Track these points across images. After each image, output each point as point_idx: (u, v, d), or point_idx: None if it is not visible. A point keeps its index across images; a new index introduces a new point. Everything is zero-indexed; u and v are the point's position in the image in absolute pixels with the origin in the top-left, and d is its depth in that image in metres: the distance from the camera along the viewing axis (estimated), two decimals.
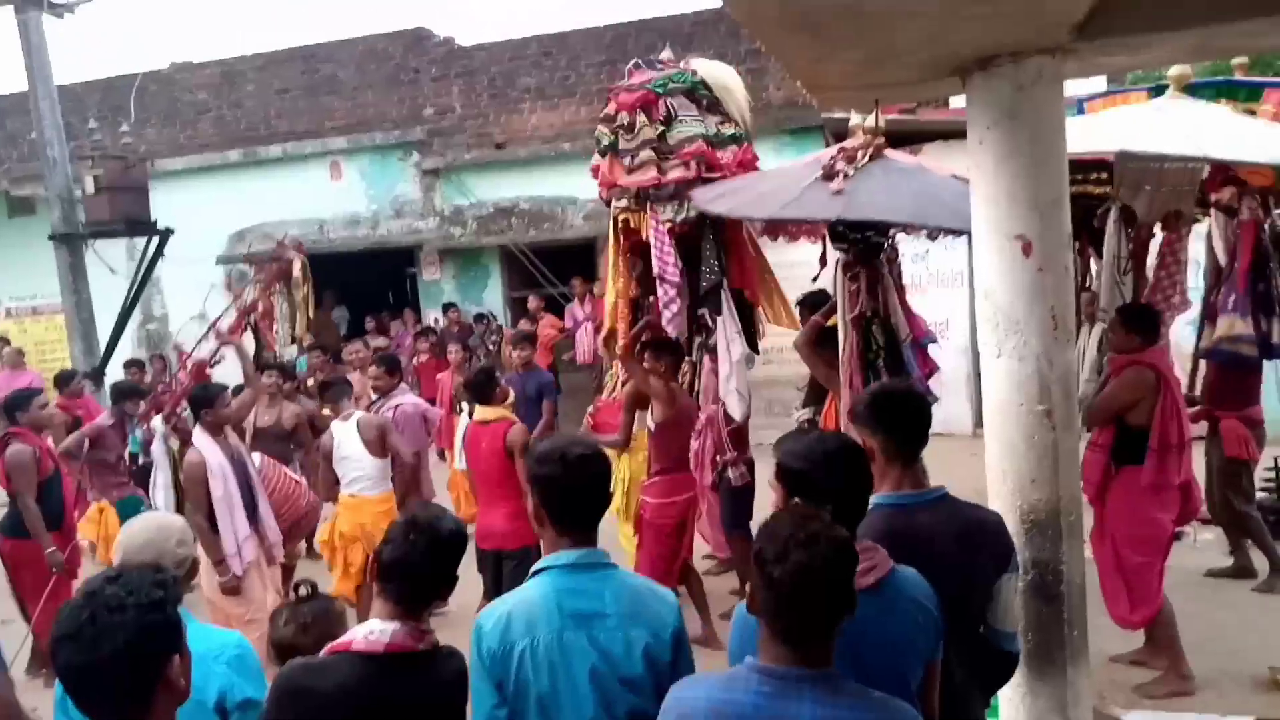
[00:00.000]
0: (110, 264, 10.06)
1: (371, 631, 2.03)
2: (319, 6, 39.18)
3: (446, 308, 12.40)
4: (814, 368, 5.05)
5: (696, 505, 5.49)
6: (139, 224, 9.88)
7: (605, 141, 5.64)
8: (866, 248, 4.43)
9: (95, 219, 9.70)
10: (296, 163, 13.01)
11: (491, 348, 11.31)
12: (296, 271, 8.07)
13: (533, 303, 11.85)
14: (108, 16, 30.71)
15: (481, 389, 5.27)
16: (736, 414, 5.47)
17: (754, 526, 5.90)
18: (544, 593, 2.12)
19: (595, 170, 5.86)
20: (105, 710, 1.62)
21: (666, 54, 5.79)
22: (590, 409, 6.62)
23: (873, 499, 2.34)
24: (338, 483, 5.60)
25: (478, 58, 13.03)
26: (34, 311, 13.84)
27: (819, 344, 4.88)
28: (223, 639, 2.50)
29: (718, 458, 5.77)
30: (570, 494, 2.18)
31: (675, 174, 5.40)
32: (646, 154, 5.45)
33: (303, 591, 2.58)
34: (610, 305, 5.93)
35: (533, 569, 2.22)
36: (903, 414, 2.36)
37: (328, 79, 13.45)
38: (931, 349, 4.84)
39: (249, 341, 7.33)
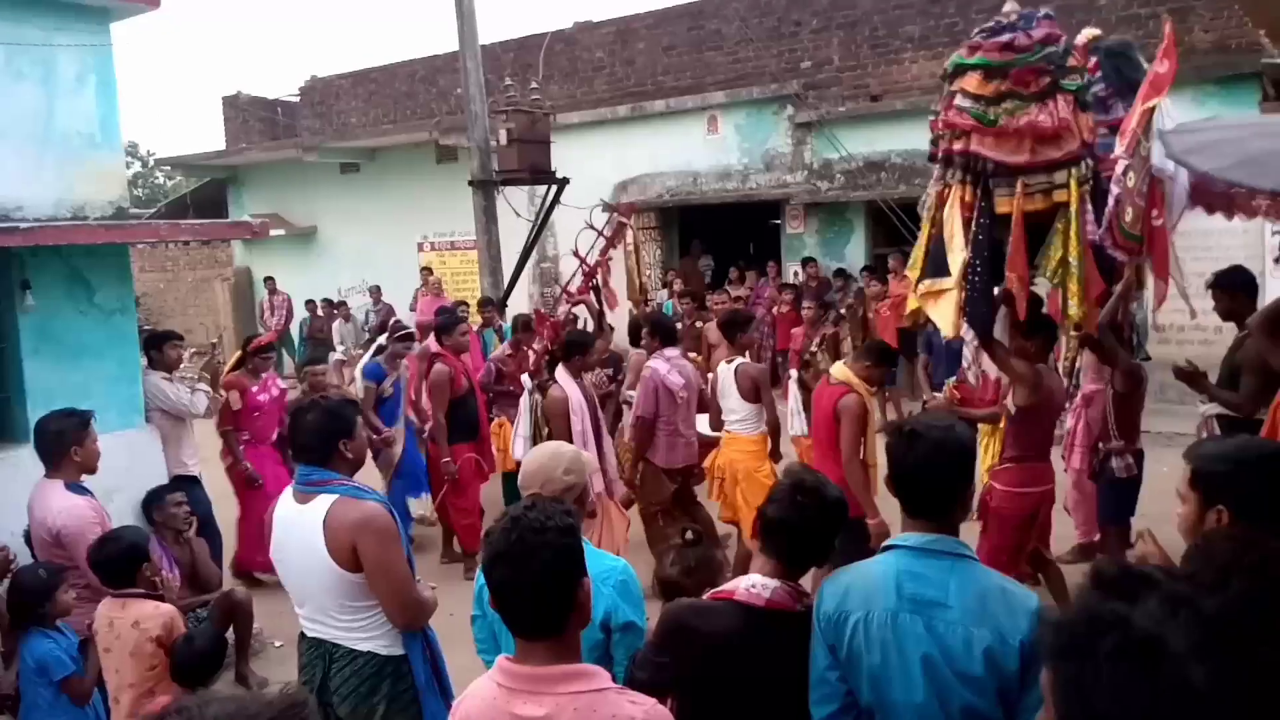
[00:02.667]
0: (515, 208, 11.19)
1: (754, 585, 2.14)
2: None
3: (805, 262, 12.44)
4: (1271, 355, 4.36)
5: (1052, 499, 5.01)
6: (542, 173, 10.90)
7: (1077, 85, 4.31)
8: None
9: (505, 167, 10.83)
10: (677, 117, 13.62)
11: (845, 308, 11.13)
12: (630, 237, 8.52)
13: (893, 261, 11.51)
14: None
15: (865, 353, 5.28)
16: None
17: (1134, 522, 5.45)
18: (885, 570, 2.10)
19: (1057, 129, 4.20)
20: (530, 624, 1.83)
21: (1010, 5, 4.75)
22: (952, 380, 6.36)
23: None
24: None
25: (861, 6, 12.73)
26: (452, 246, 15.94)
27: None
28: (611, 564, 2.69)
29: (1100, 444, 5.31)
30: (917, 474, 2.11)
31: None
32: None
33: (689, 536, 2.76)
34: (1078, 294, 4.42)
35: (883, 544, 2.20)
36: None
37: (712, 34, 13.86)
38: None
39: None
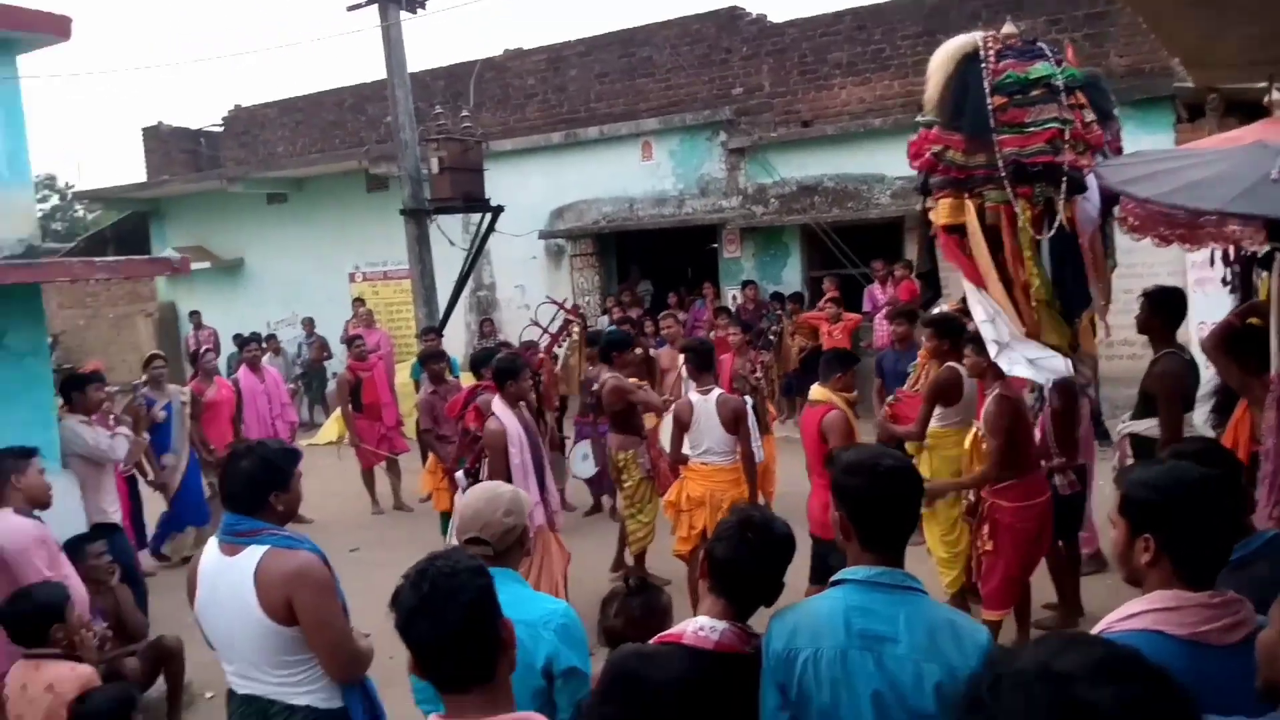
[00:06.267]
0: (449, 236, 11.06)
1: (701, 628, 2.07)
2: None
3: (744, 285, 12.51)
4: (1225, 372, 4.42)
5: (1053, 506, 5.01)
6: (475, 201, 10.82)
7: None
8: None
9: (438, 196, 10.74)
10: (611, 143, 13.63)
11: (774, 335, 11.15)
12: (575, 333, 8.66)
13: (827, 283, 11.63)
14: (455, 7, 33.66)
15: (827, 367, 5.32)
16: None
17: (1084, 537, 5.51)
18: (833, 606, 2.06)
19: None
20: (460, 675, 1.78)
21: (1009, 28, 4.47)
22: (891, 398, 6.40)
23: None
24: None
25: (789, 34, 12.91)
26: (385, 276, 15.67)
27: (1232, 347, 4.24)
28: (551, 607, 2.60)
29: (1041, 462, 5.36)
30: (877, 509, 2.08)
31: None
32: None
33: (632, 583, 2.67)
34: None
35: (830, 579, 2.16)
36: None
37: (644, 61, 13.93)
38: None
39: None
